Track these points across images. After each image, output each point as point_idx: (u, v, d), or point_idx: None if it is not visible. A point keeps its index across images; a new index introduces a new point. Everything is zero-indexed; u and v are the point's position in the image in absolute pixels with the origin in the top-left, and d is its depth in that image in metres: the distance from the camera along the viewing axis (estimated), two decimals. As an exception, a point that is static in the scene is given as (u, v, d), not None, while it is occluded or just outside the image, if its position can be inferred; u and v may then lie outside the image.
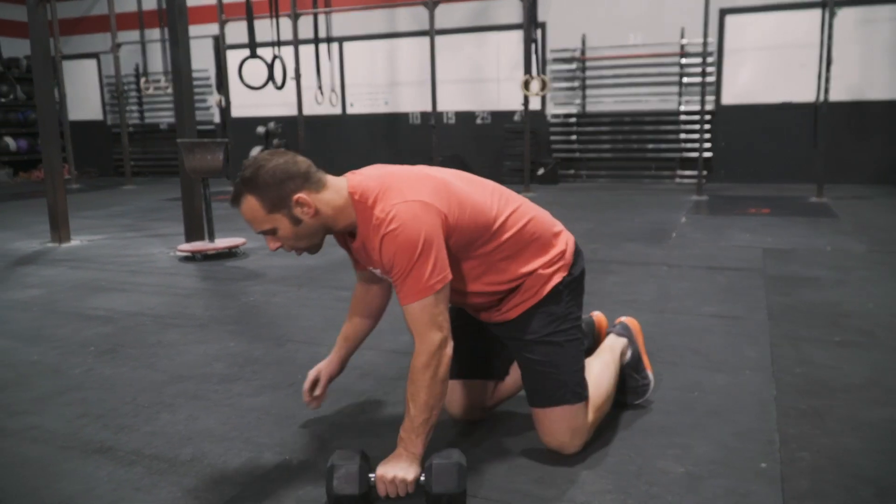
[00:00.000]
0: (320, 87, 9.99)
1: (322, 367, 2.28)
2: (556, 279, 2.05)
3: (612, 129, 9.95)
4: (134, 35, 11.54)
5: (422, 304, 1.82)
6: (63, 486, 2.00)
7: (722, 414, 2.33)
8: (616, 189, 9.28)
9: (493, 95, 10.43)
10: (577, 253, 2.14)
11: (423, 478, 1.80)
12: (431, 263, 1.80)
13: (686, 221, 6.39)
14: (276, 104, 10.74)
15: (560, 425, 2.04)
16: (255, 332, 3.45)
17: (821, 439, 2.13)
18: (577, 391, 2.05)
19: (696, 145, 8.50)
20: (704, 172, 8.39)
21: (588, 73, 9.93)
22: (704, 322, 3.36)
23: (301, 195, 1.86)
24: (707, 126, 8.81)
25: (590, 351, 2.35)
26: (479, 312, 2.15)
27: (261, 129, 10.95)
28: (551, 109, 10.20)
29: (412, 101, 10.83)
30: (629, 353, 2.39)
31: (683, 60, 9.36)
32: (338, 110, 11.17)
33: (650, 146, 9.78)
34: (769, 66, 9.04)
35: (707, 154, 8.99)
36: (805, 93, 8.41)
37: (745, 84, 9.19)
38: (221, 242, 5.36)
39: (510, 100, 10.06)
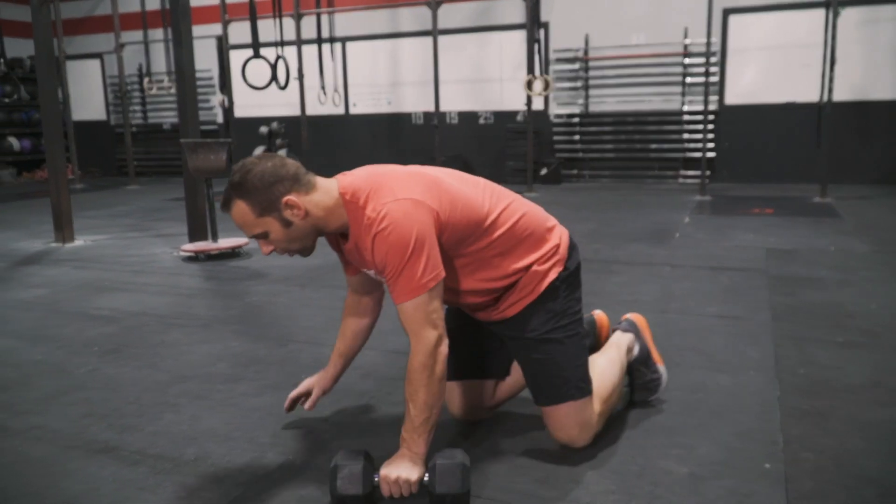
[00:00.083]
0: (323, 87, 10.00)
1: (316, 381, 2.29)
2: (552, 275, 2.05)
3: (615, 129, 9.94)
4: (137, 35, 11.56)
5: (415, 303, 1.82)
6: (67, 485, 2.00)
7: (725, 414, 2.33)
8: (619, 189, 9.27)
9: (496, 95, 10.42)
10: (572, 247, 2.14)
11: (426, 478, 1.81)
12: (424, 261, 1.80)
13: (689, 221, 6.39)
14: (279, 104, 10.75)
15: (567, 421, 2.05)
16: (258, 332, 3.45)
17: (824, 440, 2.13)
18: (581, 386, 2.06)
19: (700, 145, 8.49)
20: (708, 172, 8.38)
21: (591, 73, 9.92)
22: (707, 322, 3.36)
23: (290, 197, 1.86)
24: (710, 126, 8.79)
25: (593, 350, 2.35)
26: (476, 312, 2.14)
27: (264, 129, 10.95)
28: (554, 109, 10.19)
29: (415, 101, 10.83)
30: (637, 349, 2.39)
31: (687, 60, 9.35)
32: (341, 110, 11.17)
33: (653, 146, 9.77)
34: (773, 65, 9.03)
35: (710, 154, 8.98)
36: (808, 93, 8.40)
37: (748, 84, 9.18)
38: (224, 242, 5.36)
39: (513, 100, 10.06)
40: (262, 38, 8.31)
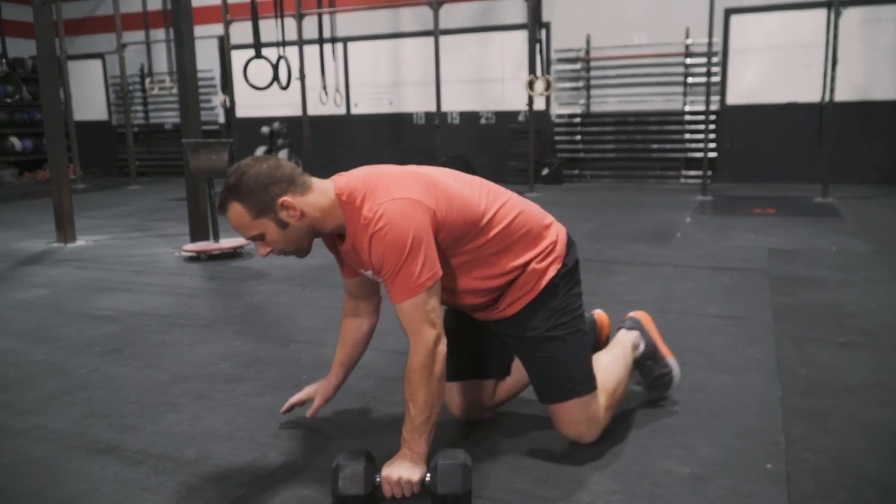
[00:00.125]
0: (325, 88, 9.99)
1: (318, 390, 2.30)
2: (551, 272, 2.05)
3: (616, 129, 9.93)
4: (139, 35, 11.57)
5: (413, 303, 1.82)
6: (68, 485, 2.00)
7: (726, 414, 2.33)
8: (620, 189, 9.27)
9: (498, 95, 10.42)
10: (570, 244, 2.14)
11: (428, 478, 1.81)
12: (421, 261, 1.80)
13: (690, 222, 6.39)
14: (281, 104, 10.75)
15: (574, 417, 2.06)
16: (260, 333, 3.45)
17: (825, 440, 2.13)
18: (586, 382, 2.07)
19: (701, 145, 8.48)
20: (709, 172, 8.37)
21: (592, 73, 9.92)
22: (709, 322, 3.35)
23: (286, 198, 1.86)
24: (712, 126, 8.78)
25: (594, 350, 2.35)
26: (476, 312, 2.15)
27: (265, 130, 10.96)
28: (555, 109, 10.19)
29: (416, 102, 10.83)
30: (643, 345, 2.38)
31: (688, 60, 9.34)
32: (342, 110, 11.17)
33: (655, 146, 9.76)
34: (774, 66, 9.02)
35: (712, 154, 8.97)
36: (810, 93, 8.39)
37: (750, 84, 9.17)
38: (226, 242, 5.37)
39: (514, 100, 10.06)
40: (264, 38, 8.32)
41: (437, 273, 1.84)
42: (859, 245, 5.07)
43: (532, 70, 8.60)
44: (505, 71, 10.30)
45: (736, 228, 5.89)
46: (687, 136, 9.54)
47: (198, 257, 5.29)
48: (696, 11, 8.61)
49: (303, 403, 2.32)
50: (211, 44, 11.34)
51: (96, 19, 12.86)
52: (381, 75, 11.08)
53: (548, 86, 8.66)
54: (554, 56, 9.98)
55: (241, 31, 9.66)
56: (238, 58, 9.27)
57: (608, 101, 9.91)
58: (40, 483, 2.03)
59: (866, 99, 8.62)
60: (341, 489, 1.77)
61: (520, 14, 9.53)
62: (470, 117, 10.61)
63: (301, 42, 9.56)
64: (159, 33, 11.34)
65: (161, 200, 9.25)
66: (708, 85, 7.95)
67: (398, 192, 1.84)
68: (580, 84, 9.98)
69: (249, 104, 10.94)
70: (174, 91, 10.37)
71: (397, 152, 10.72)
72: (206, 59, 11.44)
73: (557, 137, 10.22)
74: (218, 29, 10.27)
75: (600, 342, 2.50)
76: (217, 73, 11.91)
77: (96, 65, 13.18)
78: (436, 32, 8.61)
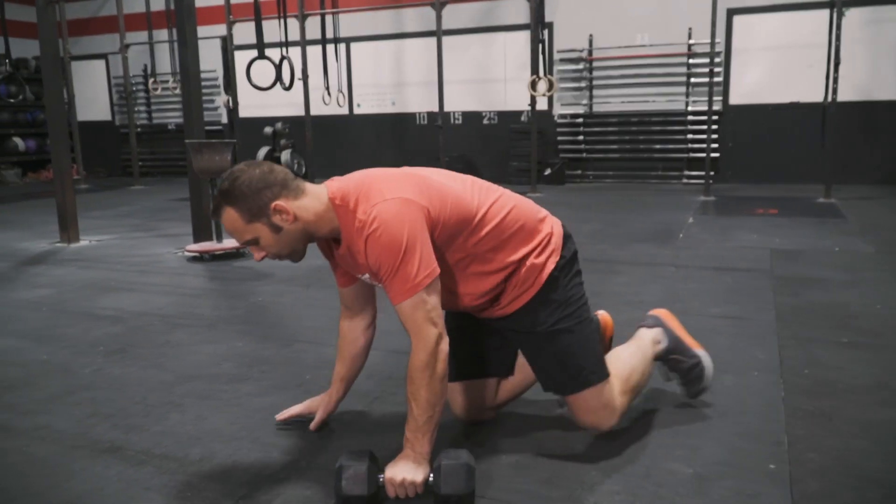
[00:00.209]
0: (327, 88, 9.99)
1: (319, 403, 2.31)
2: (550, 266, 2.06)
3: (619, 129, 9.93)
4: (142, 36, 11.57)
5: (413, 302, 1.82)
6: (72, 485, 2.01)
7: (730, 415, 2.33)
8: (623, 189, 9.27)
9: (500, 96, 10.43)
10: (567, 236, 2.15)
11: (431, 478, 1.81)
12: (417, 260, 1.80)
13: (693, 222, 6.38)
14: (284, 105, 10.75)
15: (590, 405, 2.08)
16: (264, 333, 3.46)
17: (829, 440, 2.13)
18: (597, 370, 2.08)
19: (704, 146, 8.48)
20: (712, 173, 8.37)
21: (595, 73, 9.92)
22: (712, 323, 3.35)
23: (279, 202, 1.87)
24: (714, 126, 8.78)
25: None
26: (478, 313, 2.15)
27: (268, 130, 10.95)
28: (558, 110, 10.19)
29: (419, 102, 10.84)
30: (665, 340, 2.37)
31: (691, 60, 9.35)
32: (345, 111, 11.17)
33: (657, 146, 9.76)
34: (777, 66, 9.01)
35: (714, 154, 8.96)
36: (813, 93, 8.38)
37: (752, 84, 9.17)
38: (229, 242, 5.37)
39: (517, 100, 10.06)
40: (267, 38, 8.34)
41: (435, 271, 1.84)
42: (862, 245, 5.07)
43: (535, 70, 8.61)
44: (508, 71, 10.30)
45: (738, 229, 5.89)
46: (689, 136, 9.54)
47: (201, 257, 5.30)
48: (698, 12, 8.60)
49: (302, 416, 2.32)
50: (214, 44, 11.32)
51: (100, 20, 12.89)
52: (384, 75, 11.09)
53: (550, 86, 8.66)
54: (557, 56, 9.98)
55: (244, 32, 9.67)
56: (241, 58, 9.26)
57: (611, 102, 9.91)
58: (44, 483, 2.03)
59: (869, 99, 8.62)
60: (344, 489, 1.78)
61: (522, 14, 9.52)
62: (473, 117, 10.62)
63: (304, 42, 9.56)
64: (162, 34, 11.36)
65: (164, 200, 9.26)
66: (710, 85, 7.95)
67: (391, 193, 1.85)
68: (583, 84, 9.98)
69: (252, 104, 10.96)
70: (177, 91, 10.38)
71: (400, 152, 10.73)
72: (210, 59, 11.39)
73: (560, 138, 10.22)
74: (221, 29, 10.27)
75: (604, 344, 2.49)
76: (220, 73, 11.90)
77: (100, 65, 13.21)
78: (438, 33, 8.61)
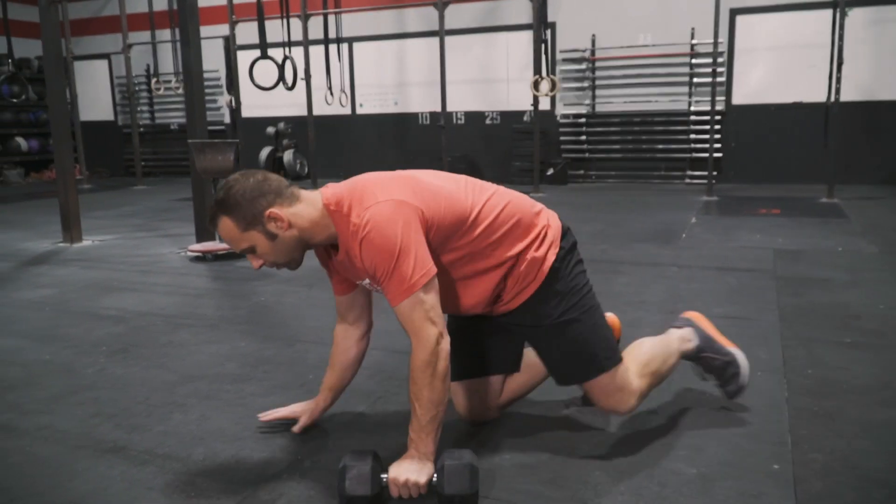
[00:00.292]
0: (330, 88, 10.00)
1: (305, 409, 2.30)
2: (551, 258, 2.06)
3: (621, 129, 9.93)
4: (145, 36, 11.58)
5: (410, 303, 1.83)
6: (76, 485, 2.01)
7: (733, 415, 2.33)
8: (626, 189, 9.26)
9: (503, 96, 10.42)
10: (566, 229, 2.16)
11: (435, 478, 1.81)
12: (413, 260, 1.81)
13: (696, 222, 6.38)
14: (286, 105, 10.76)
15: (607, 389, 2.09)
16: (266, 332, 3.46)
17: (833, 441, 2.13)
18: (610, 356, 2.10)
19: (706, 146, 8.47)
20: (714, 173, 8.36)
21: (598, 73, 9.91)
22: (715, 323, 3.31)
23: (273, 210, 1.90)
24: (717, 126, 8.78)
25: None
26: (484, 311, 2.15)
27: (271, 130, 10.98)
28: (561, 110, 10.19)
29: (421, 102, 10.84)
30: (696, 338, 2.37)
31: (694, 60, 9.34)
32: (347, 111, 11.17)
33: (660, 146, 9.75)
34: (780, 66, 9.00)
35: (717, 154, 8.96)
36: (816, 93, 8.37)
37: (755, 84, 9.16)
38: (232, 242, 5.36)
39: (520, 100, 10.05)
40: (270, 38, 8.33)
41: (431, 270, 1.85)
42: (865, 245, 5.06)
43: (537, 70, 8.60)
44: (510, 71, 10.30)
45: (741, 229, 5.89)
46: (692, 136, 9.53)
47: (204, 257, 5.30)
48: (701, 12, 8.60)
49: (286, 420, 2.31)
50: (216, 44, 11.32)
51: (102, 20, 12.89)
52: (387, 75, 11.09)
53: (553, 86, 8.66)
54: (559, 56, 9.98)
55: (246, 32, 9.66)
56: (244, 58, 9.27)
57: (613, 102, 9.91)
58: (47, 483, 2.03)
59: (872, 99, 8.61)
60: (348, 489, 1.78)
61: (525, 14, 9.52)
62: (475, 117, 10.62)
63: (306, 42, 9.56)
64: (165, 34, 11.36)
65: (167, 200, 9.27)
66: (713, 85, 7.94)
67: (383, 196, 1.86)
68: (585, 84, 9.98)
69: (255, 104, 10.95)
70: (180, 91, 10.39)
71: (402, 152, 10.73)
72: (212, 59, 11.40)
73: (562, 138, 10.22)
74: (224, 29, 10.27)
75: None
76: (223, 73, 11.90)
77: (102, 65, 13.22)
78: (441, 33, 8.61)
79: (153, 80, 11.60)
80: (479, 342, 2.25)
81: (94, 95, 13.16)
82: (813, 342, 3.02)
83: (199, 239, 5.67)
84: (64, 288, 4.52)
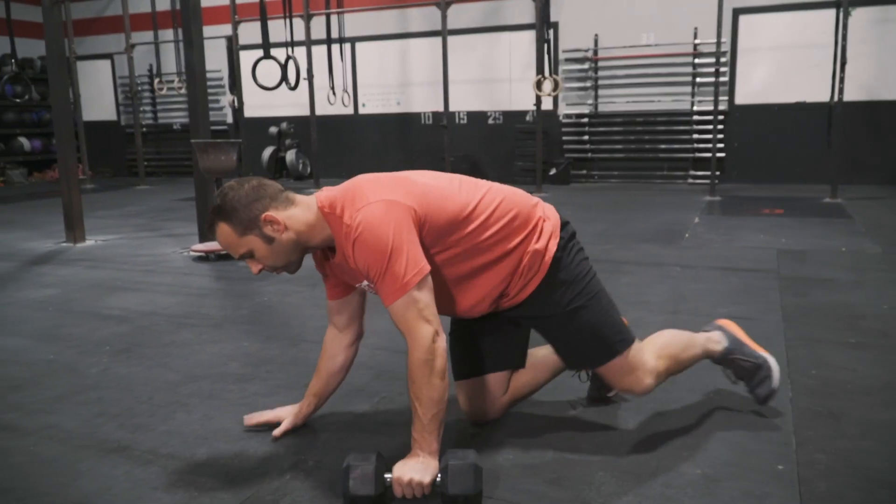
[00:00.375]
0: (332, 88, 10.01)
1: (289, 413, 2.30)
2: (552, 248, 2.07)
3: (624, 129, 9.93)
4: (148, 36, 11.60)
5: (404, 302, 1.83)
6: (80, 485, 2.01)
7: (738, 416, 2.33)
8: (628, 189, 9.26)
9: (505, 95, 10.42)
10: (564, 221, 2.17)
11: (439, 478, 1.81)
12: (405, 259, 1.82)
13: (699, 222, 6.37)
14: (289, 104, 10.77)
15: (621, 371, 2.12)
16: (270, 332, 3.46)
17: (837, 441, 2.12)
18: (622, 338, 2.11)
19: (709, 145, 8.47)
20: (717, 173, 8.36)
21: (600, 73, 9.91)
22: (719, 323, 3.34)
23: (269, 213, 1.92)
24: (720, 126, 8.77)
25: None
26: (490, 309, 2.15)
27: (273, 130, 10.99)
28: (563, 109, 10.19)
29: (424, 102, 10.84)
30: (725, 340, 2.37)
31: (696, 60, 9.33)
32: (350, 110, 11.19)
33: (663, 146, 9.75)
34: (783, 65, 9.00)
35: (720, 154, 8.95)
36: (819, 93, 8.37)
37: (758, 84, 9.15)
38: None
39: (522, 100, 10.05)
40: (273, 38, 8.33)
41: (424, 269, 1.85)
42: (869, 246, 5.05)
43: (540, 70, 8.60)
44: (513, 71, 10.30)
45: (744, 229, 5.88)
46: (695, 136, 9.53)
47: (207, 257, 5.30)
48: (704, 11, 8.60)
49: (270, 424, 2.31)
50: (219, 44, 11.36)
51: (105, 20, 12.91)
52: (389, 75, 11.09)
53: (556, 86, 8.66)
54: (562, 56, 9.98)
55: (249, 32, 9.67)
56: (246, 58, 9.28)
57: (616, 101, 9.90)
58: (51, 483, 2.03)
59: (875, 99, 8.60)
60: (352, 489, 1.77)
61: (528, 14, 9.52)
62: (478, 117, 10.62)
63: (309, 42, 9.57)
64: (168, 34, 11.38)
65: (170, 200, 9.27)
66: (716, 85, 7.94)
67: (374, 196, 1.87)
68: (588, 84, 9.97)
69: (258, 104, 10.96)
70: (183, 91, 10.41)
71: (405, 152, 10.73)
72: (215, 59, 11.47)
73: (565, 137, 10.21)
74: (226, 29, 10.29)
75: None
76: (225, 73, 11.94)
77: (105, 65, 13.23)
78: (444, 32, 8.61)
79: (156, 80, 11.62)
80: (483, 340, 2.25)
81: (97, 95, 13.17)
82: (817, 342, 3.02)
83: (202, 239, 5.67)
84: (67, 288, 4.52)
